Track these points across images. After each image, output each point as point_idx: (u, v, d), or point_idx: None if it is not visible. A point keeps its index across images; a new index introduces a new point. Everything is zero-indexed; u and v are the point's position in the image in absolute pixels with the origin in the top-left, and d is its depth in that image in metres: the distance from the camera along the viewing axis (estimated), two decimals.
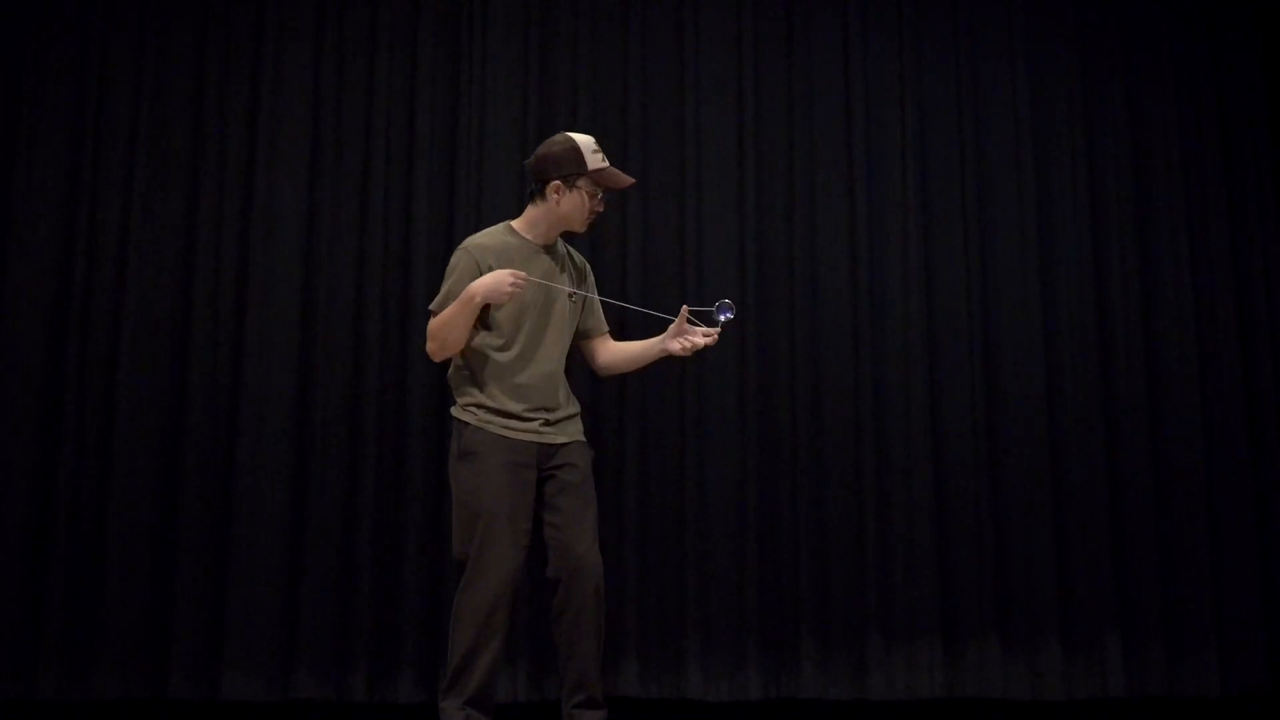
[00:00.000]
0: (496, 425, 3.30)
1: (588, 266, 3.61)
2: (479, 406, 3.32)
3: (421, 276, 4.77)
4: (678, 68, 5.03)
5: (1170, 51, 5.32)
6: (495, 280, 3.19)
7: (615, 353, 3.55)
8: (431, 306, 3.37)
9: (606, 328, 3.60)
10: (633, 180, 3.41)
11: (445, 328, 3.26)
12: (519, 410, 3.30)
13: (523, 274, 3.22)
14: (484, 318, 3.33)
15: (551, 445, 3.34)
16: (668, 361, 4.69)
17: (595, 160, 3.36)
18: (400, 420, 4.70)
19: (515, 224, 3.45)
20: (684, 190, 4.95)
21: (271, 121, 4.83)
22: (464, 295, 3.22)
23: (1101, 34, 5.29)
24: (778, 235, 4.99)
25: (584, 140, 3.38)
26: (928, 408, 4.89)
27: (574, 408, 3.45)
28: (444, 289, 3.36)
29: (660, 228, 4.93)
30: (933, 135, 5.12)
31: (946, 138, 5.12)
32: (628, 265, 4.88)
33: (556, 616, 3.29)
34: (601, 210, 3.43)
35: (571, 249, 3.58)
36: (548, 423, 3.33)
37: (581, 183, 3.36)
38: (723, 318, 3.27)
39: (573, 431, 3.42)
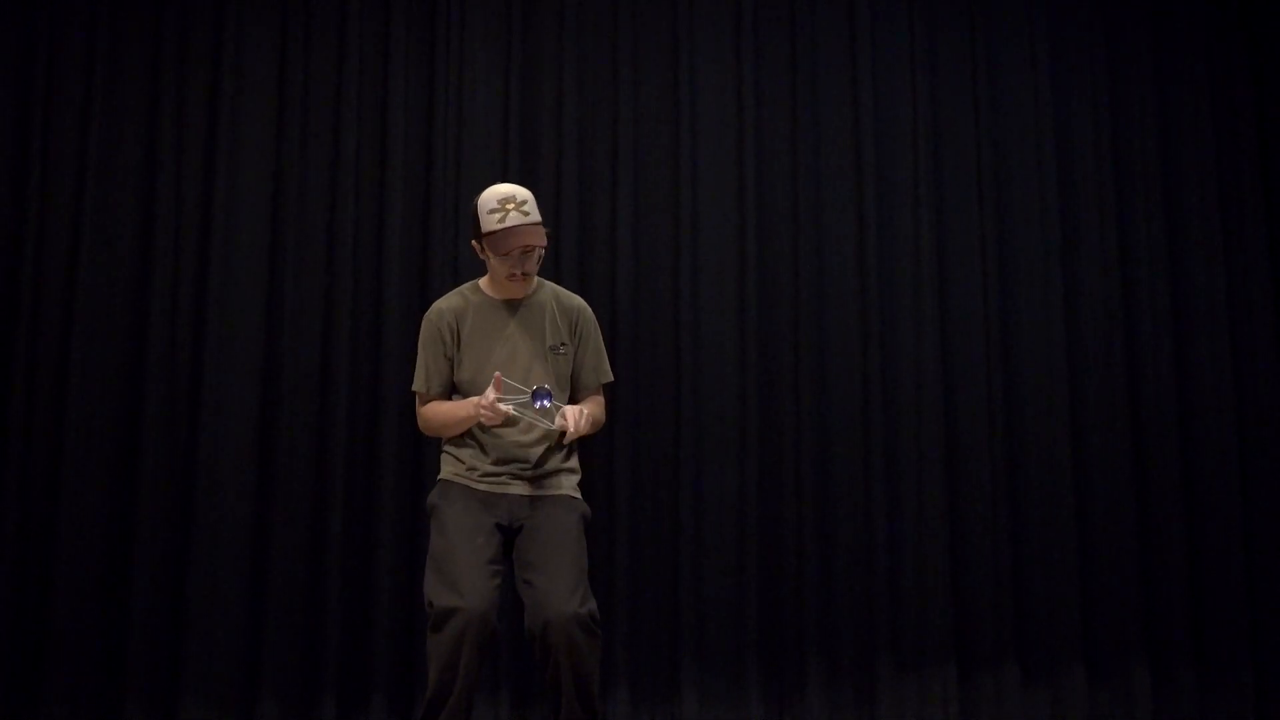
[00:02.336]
0: (464, 478, 3.26)
1: (583, 314, 3.40)
2: (454, 464, 3.29)
3: (394, 282, 4.58)
4: (671, 47, 4.83)
5: (1200, 23, 5.09)
6: (475, 409, 3.14)
7: None
8: (415, 387, 3.34)
9: (596, 383, 3.39)
10: (519, 245, 3.17)
11: (442, 425, 3.29)
12: (486, 464, 3.24)
13: (492, 398, 3.09)
14: (456, 371, 3.31)
15: (523, 498, 3.23)
16: (662, 367, 4.66)
17: (490, 221, 3.20)
18: (371, 435, 4.51)
19: (481, 280, 3.39)
20: (678, 182, 4.75)
21: (233, 109, 4.60)
22: (465, 410, 3.20)
23: (1127, 4, 5.09)
24: (780, 229, 4.79)
25: (487, 197, 3.23)
26: (941, 415, 4.71)
27: (563, 464, 3.31)
28: (418, 363, 3.34)
29: (653, 224, 4.73)
30: (946, 117, 4.93)
31: (961, 119, 4.92)
32: (618, 267, 4.68)
33: (540, 667, 3.16)
34: (522, 272, 3.23)
35: (562, 293, 3.41)
36: (518, 476, 3.23)
37: (485, 244, 3.25)
38: (537, 404, 3.12)
39: (555, 486, 3.28)
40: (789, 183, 4.80)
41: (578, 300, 3.41)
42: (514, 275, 3.23)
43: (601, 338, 3.43)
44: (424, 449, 4.42)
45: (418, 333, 4.45)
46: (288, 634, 4.33)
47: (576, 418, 3.11)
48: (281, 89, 4.64)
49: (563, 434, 3.20)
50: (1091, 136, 4.95)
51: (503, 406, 3.07)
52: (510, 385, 3.16)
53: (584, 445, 4.50)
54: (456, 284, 4.47)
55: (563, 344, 3.31)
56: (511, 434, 3.21)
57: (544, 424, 3.17)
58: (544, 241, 3.22)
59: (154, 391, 4.41)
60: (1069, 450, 4.71)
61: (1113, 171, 4.93)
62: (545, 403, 3.09)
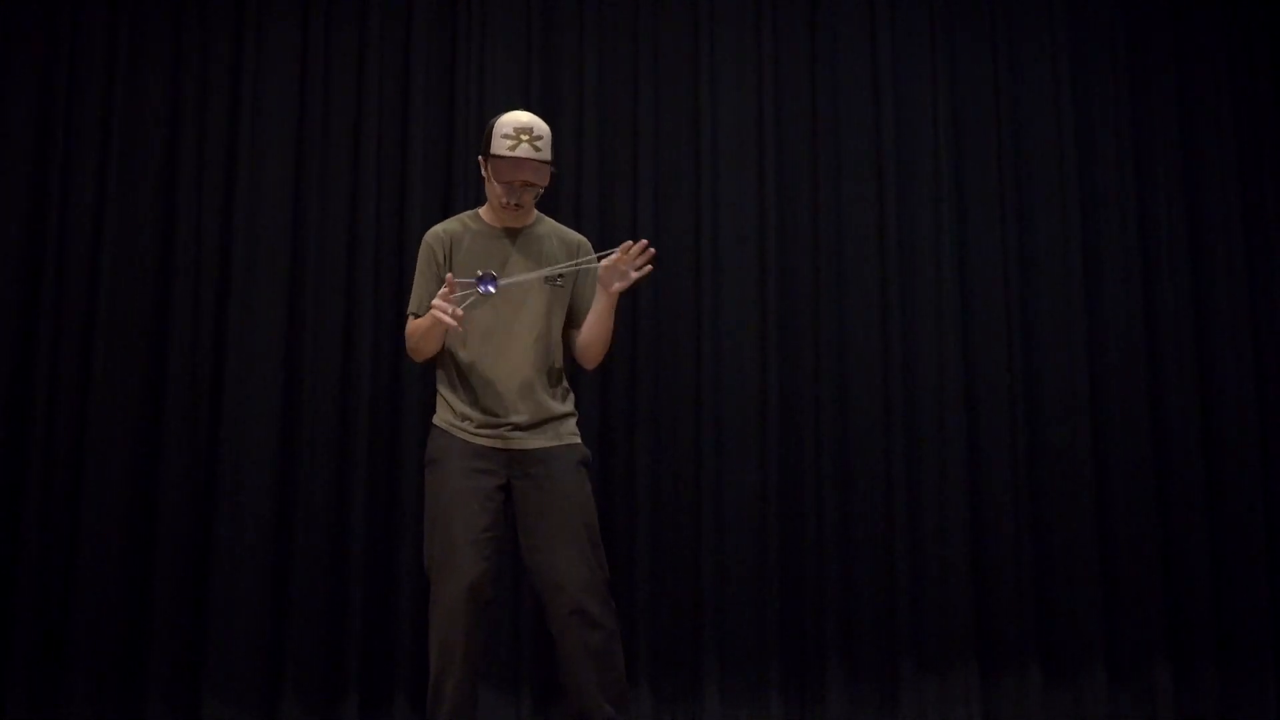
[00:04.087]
0: (459, 430, 3.15)
1: (583, 248, 3.34)
2: (447, 410, 3.19)
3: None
4: (692, 41, 4.79)
5: (1223, 28, 5.03)
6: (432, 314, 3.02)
7: (580, 333, 3.28)
8: (409, 309, 3.26)
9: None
10: (519, 178, 3.12)
11: (414, 338, 3.19)
12: (481, 413, 3.14)
13: (443, 291, 3.00)
14: None
15: (520, 451, 3.14)
16: (682, 368, 4.59)
17: (501, 145, 3.15)
18: (393, 429, 4.48)
19: (481, 209, 3.32)
20: (699, 176, 4.71)
21: (254, 104, 4.58)
22: (426, 321, 3.08)
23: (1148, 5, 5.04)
24: (801, 225, 4.74)
25: (506, 120, 3.18)
26: (963, 413, 4.66)
27: (560, 409, 3.21)
28: (413, 287, 3.28)
29: (673, 218, 4.69)
30: (967, 117, 4.88)
31: (982, 119, 4.87)
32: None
33: (553, 643, 3.13)
34: (515, 202, 3.18)
35: (563, 229, 3.37)
36: (517, 426, 3.14)
37: (488, 165, 3.20)
38: (482, 289, 3.02)
39: (555, 435, 3.18)
40: (809, 179, 4.75)
41: (578, 236, 3.35)
42: (507, 204, 3.18)
43: None
44: None
45: None
46: (310, 633, 4.29)
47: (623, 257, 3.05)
48: (302, 87, 4.61)
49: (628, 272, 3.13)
50: (1113, 136, 4.89)
51: (454, 309, 2.96)
52: (463, 283, 3.06)
53: (604, 435, 4.51)
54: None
55: (560, 276, 3.23)
56: (503, 378, 3.13)
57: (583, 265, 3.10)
58: (545, 182, 3.16)
59: (176, 388, 4.38)
60: (1090, 449, 4.66)
61: (1134, 172, 4.88)
62: (490, 287, 2.99)
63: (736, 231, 4.69)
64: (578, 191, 4.62)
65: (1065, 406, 4.71)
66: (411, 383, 4.46)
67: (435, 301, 2.98)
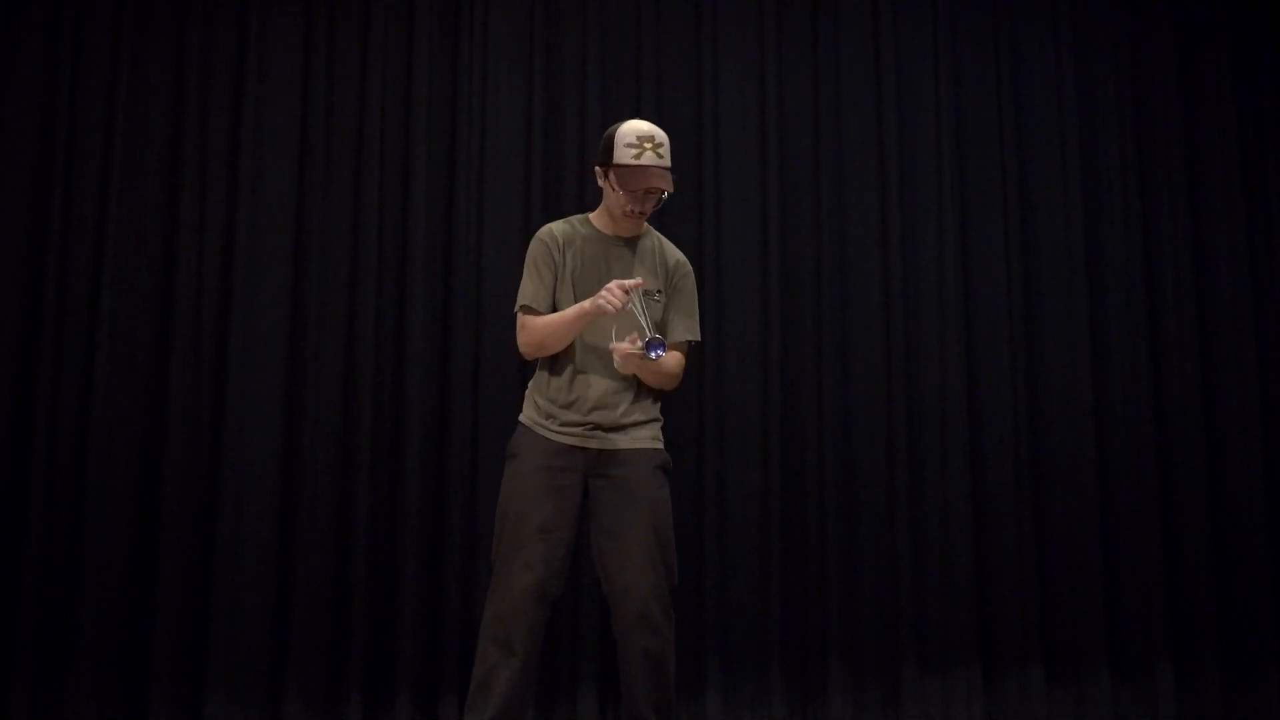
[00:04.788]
0: (542, 427, 3.18)
1: (681, 268, 3.35)
2: (533, 407, 3.23)
3: (419, 274, 4.54)
4: (694, 48, 4.81)
5: (1225, 30, 5.07)
6: (592, 301, 3.03)
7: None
8: (522, 301, 3.23)
9: (681, 338, 3.29)
10: (650, 185, 3.14)
11: (547, 333, 3.17)
12: (566, 412, 3.17)
13: (628, 283, 3.03)
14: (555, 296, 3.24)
15: (602, 451, 3.16)
16: (685, 369, 4.49)
17: (625, 154, 3.16)
18: (395, 433, 4.47)
19: (592, 214, 3.34)
20: (701, 182, 4.72)
21: (257, 106, 4.58)
22: (577, 308, 3.10)
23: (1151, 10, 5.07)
24: (803, 229, 4.76)
25: (626, 129, 3.20)
26: (965, 416, 4.67)
27: (645, 415, 3.24)
28: (524, 280, 3.25)
29: (675, 223, 4.67)
30: (970, 122, 4.90)
31: (985, 124, 4.90)
32: None
33: (617, 651, 3.15)
34: (640, 210, 3.21)
35: (668, 244, 3.38)
36: (600, 426, 3.16)
37: (611, 175, 3.20)
38: (653, 354, 2.99)
39: (637, 439, 3.21)
40: (812, 185, 4.77)
41: (680, 255, 3.36)
42: (631, 212, 3.19)
43: (697, 298, 3.36)
44: (447, 446, 4.42)
45: (440, 334, 4.51)
46: (313, 632, 4.28)
47: (629, 351, 2.99)
48: (305, 91, 4.61)
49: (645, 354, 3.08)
50: (1116, 138, 4.92)
51: (630, 302, 2.99)
52: (639, 303, 3.10)
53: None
54: (479, 285, 4.51)
55: (659, 291, 3.25)
56: (592, 380, 3.14)
57: (643, 323, 3.09)
58: (671, 188, 3.17)
59: (179, 389, 4.38)
60: (1093, 450, 4.67)
61: (1137, 173, 4.90)
62: (659, 352, 2.96)
63: (739, 232, 4.70)
64: (580, 193, 4.63)
65: (1068, 407, 4.72)
66: (413, 385, 4.46)
67: (609, 290, 2.98)
